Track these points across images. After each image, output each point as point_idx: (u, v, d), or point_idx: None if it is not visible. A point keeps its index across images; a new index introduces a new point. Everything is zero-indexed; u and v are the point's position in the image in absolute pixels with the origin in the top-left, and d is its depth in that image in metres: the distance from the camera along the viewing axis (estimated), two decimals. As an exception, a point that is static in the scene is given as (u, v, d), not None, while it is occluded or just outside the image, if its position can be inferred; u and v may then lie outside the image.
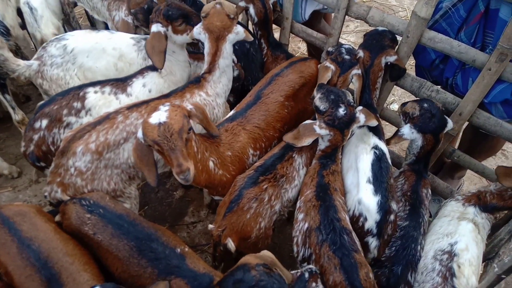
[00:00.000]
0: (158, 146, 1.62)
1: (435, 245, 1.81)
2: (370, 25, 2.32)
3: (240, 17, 2.63)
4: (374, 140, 2.06)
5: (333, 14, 2.47)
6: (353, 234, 1.77)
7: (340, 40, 2.58)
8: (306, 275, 1.60)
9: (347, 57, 2.19)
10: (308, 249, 1.76)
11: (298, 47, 4.54)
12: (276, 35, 2.81)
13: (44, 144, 2.11)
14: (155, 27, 2.17)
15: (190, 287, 1.56)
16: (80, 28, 3.59)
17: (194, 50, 2.84)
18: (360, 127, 2.05)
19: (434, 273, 1.70)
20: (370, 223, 1.85)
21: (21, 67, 2.37)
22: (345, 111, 1.89)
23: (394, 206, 1.90)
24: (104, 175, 1.98)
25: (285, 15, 2.69)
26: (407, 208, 2.00)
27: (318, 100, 1.94)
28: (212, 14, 2.10)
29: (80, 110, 2.15)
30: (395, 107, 3.84)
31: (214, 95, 2.25)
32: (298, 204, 1.94)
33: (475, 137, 2.55)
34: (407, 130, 2.07)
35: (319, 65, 2.35)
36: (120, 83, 2.27)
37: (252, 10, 2.56)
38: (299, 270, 1.65)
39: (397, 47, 2.27)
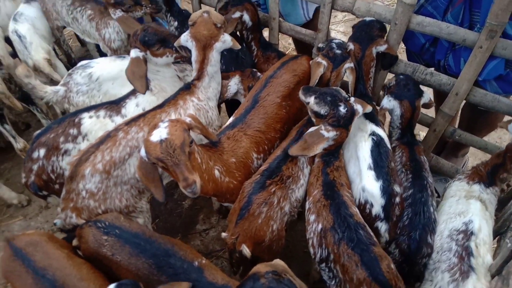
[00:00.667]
0: (162, 163, 1.64)
1: (449, 224, 1.82)
2: (357, 16, 2.33)
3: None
4: (371, 126, 2.07)
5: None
6: (367, 227, 1.78)
7: (330, 31, 2.59)
8: None
9: (338, 51, 2.21)
10: (325, 250, 1.76)
11: (289, 43, 4.54)
12: (265, 35, 2.83)
13: (44, 173, 2.14)
14: (134, 53, 2.20)
15: (211, 299, 1.58)
16: (71, 50, 3.61)
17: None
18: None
19: (451, 253, 1.70)
20: (377, 209, 1.87)
21: (48, 93, 2.45)
22: (345, 109, 1.90)
23: (397, 188, 1.92)
24: (115, 193, 2.01)
25: (272, 15, 2.70)
26: (409, 176, 2.04)
27: (316, 105, 1.93)
28: (199, 23, 2.13)
29: (77, 136, 2.17)
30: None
31: (205, 99, 2.28)
32: (307, 205, 1.95)
33: (474, 114, 2.57)
34: (385, 100, 2.21)
35: (311, 61, 2.36)
36: (114, 106, 2.29)
37: (246, 17, 2.56)
38: None
39: (386, 35, 2.27)
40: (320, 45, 2.40)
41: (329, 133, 1.89)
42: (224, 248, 2.72)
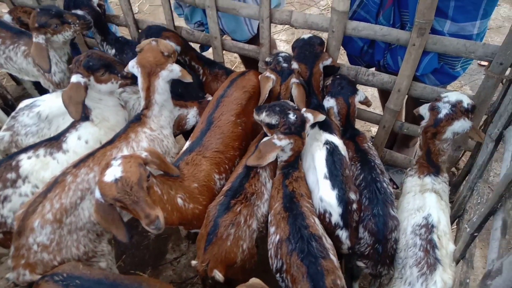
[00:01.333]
0: (120, 202, 1.57)
1: (410, 220, 1.87)
2: (295, 28, 2.39)
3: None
4: (325, 136, 2.12)
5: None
6: (324, 238, 1.78)
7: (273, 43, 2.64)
8: None
9: (285, 65, 2.25)
10: (280, 260, 1.77)
11: (235, 57, 4.57)
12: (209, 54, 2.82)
13: None
14: (75, 78, 2.10)
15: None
16: (6, 91, 3.40)
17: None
18: (312, 126, 2.13)
19: (416, 248, 1.75)
20: (335, 217, 1.89)
21: None
22: (295, 115, 1.94)
23: (352, 196, 1.94)
24: (71, 241, 1.88)
25: (213, 34, 2.71)
26: (358, 165, 2.10)
27: (267, 117, 1.97)
28: (147, 50, 2.13)
29: (16, 180, 2.03)
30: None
31: (158, 128, 2.23)
32: (269, 218, 1.96)
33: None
34: (325, 100, 2.31)
35: (259, 76, 2.39)
36: (54, 142, 2.17)
37: (176, 46, 2.53)
38: None
39: (326, 44, 2.35)
40: (267, 59, 2.43)
41: (282, 141, 1.92)
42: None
